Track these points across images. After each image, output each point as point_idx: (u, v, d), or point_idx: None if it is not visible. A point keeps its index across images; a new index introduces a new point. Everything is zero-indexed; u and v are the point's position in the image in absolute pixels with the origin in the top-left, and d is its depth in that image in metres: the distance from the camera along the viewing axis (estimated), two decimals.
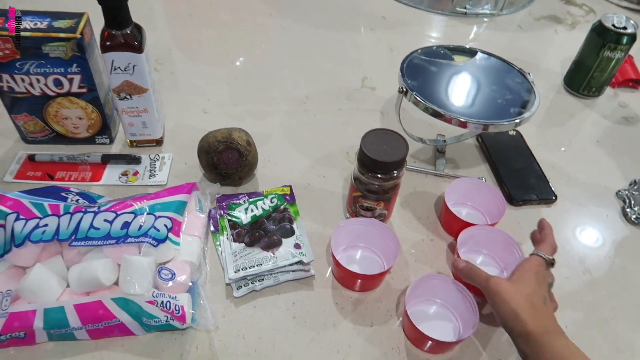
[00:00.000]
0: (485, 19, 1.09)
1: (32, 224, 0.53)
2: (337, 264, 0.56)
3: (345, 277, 0.58)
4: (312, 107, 0.82)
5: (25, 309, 0.49)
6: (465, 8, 1.08)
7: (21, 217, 0.54)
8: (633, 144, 0.81)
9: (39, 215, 0.54)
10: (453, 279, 0.55)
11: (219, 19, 1.02)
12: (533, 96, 0.66)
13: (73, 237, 0.53)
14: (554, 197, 0.70)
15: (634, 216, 0.68)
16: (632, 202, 0.70)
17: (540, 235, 0.57)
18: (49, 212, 0.54)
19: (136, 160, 0.69)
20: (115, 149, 0.72)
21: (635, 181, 0.73)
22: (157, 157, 0.70)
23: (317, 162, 0.73)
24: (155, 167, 0.69)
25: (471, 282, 0.53)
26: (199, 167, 0.68)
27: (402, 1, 1.11)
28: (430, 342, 0.51)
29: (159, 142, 0.72)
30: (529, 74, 0.70)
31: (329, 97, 0.85)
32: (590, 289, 0.61)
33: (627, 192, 0.71)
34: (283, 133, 0.77)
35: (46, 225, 0.53)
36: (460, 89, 0.67)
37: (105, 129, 0.70)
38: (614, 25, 0.80)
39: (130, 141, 0.71)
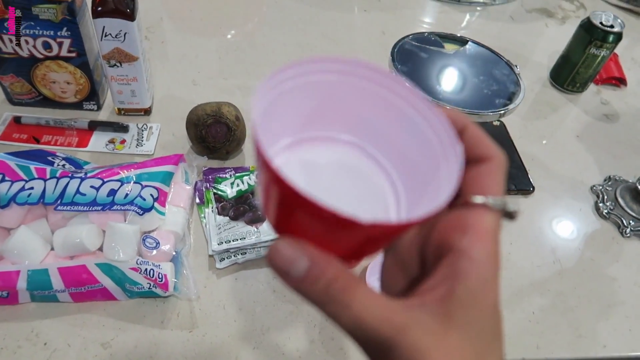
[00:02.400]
0: (479, 8, 1.10)
1: (17, 186, 0.53)
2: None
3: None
4: None
5: (9, 269, 0.50)
6: None
7: (7, 178, 0.54)
8: (611, 141, 0.84)
9: (24, 177, 0.54)
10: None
11: None
12: (518, 88, 0.68)
13: (59, 202, 0.53)
14: (531, 189, 0.72)
15: (605, 211, 0.71)
16: (605, 197, 0.72)
17: (475, 153, 0.25)
18: (35, 176, 0.55)
19: (124, 128, 0.69)
20: (103, 115, 0.72)
21: (609, 177, 0.76)
22: (145, 126, 0.70)
23: None
24: (142, 137, 0.69)
25: (332, 319, 0.22)
26: (187, 139, 0.69)
27: None
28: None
29: (147, 112, 0.72)
30: (515, 66, 0.71)
31: None
32: (559, 278, 0.63)
33: (601, 187, 0.74)
34: None
35: (32, 188, 0.53)
36: (449, 77, 0.68)
37: (93, 95, 0.70)
38: (601, 23, 0.82)
39: (118, 109, 0.71)
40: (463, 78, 0.69)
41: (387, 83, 0.25)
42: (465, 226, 0.22)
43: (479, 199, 0.23)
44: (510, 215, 0.24)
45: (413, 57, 0.69)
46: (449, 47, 0.72)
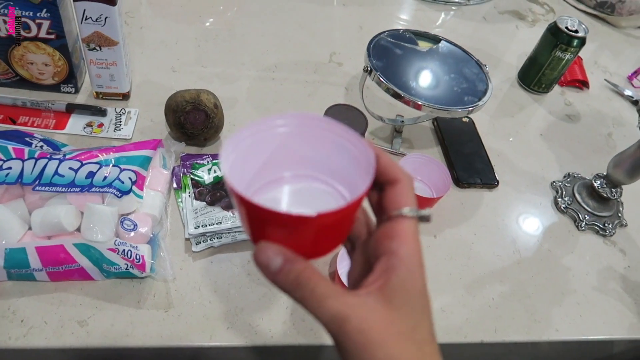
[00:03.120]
0: (453, 7, 1.13)
1: None
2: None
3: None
4: (279, 76, 0.84)
5: None
6: None
7: None
8: (572, 140, 0.88)
9: (2, 157, 0.55)
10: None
11: None
12: (487, 87, 0.71)
13: (37, 182, 0.54)
14: (496, 183, 0.76)
15: (563, 205, 0.75)
16: (564, 192, 0.77)
17: (388, 177, 0.31)
18: (13, 156, 0.55)
19: (102, 112, 0.69)
20: (81, 99, 0.72)
21: (569, 174, 0.80)
22: (123, 111, 0.71)
23: None
24: (120, 121, 0.69)
25: (300, 303, 0.28)
26: (165, 124, 0.70)
27: None
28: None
29: (125, 97, 0.73)
30: (485, 65, 0.74)
31: (297, 67, 0.87)
32: (518, 267, 0.67)
33: (560, 183, 0.78)
34: (249, 99, 0.79)
35: (10, 168, 0.54)
36: (421, 74, 0.71)
37: (71, 78, 0.70)
38: (567, 28, 0.86)
39: (97, 92, 0.71)
40: (435, 75, 0.72)
41: (325, 126, 0.32)
42: (392, 233, 0.29)
43: (397, 212, 0.30)
44: (424, 218, 0.31)
45: (388, 53, 0.71)
46: (423, 45, 0.75)
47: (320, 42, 0.94)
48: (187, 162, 0.66)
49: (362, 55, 0.71)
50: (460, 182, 0.74)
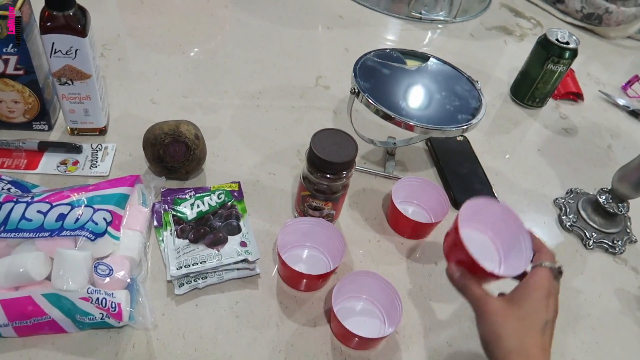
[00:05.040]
0: (440, 25, 1.12)
1: None
2: (282, 263, 0.55)
3: (290, 277, 0.57)
4: (264, 103, 0.81)
5: None
6: (420, 13, 1.09)
7: None
8: (571, 154, 0.85)
9: None
10: (380, 275, 0.55)
11: (172, 6, 0.99)
12: (480, 104, 0.68)
13: (2, 228, 0.50)
14: None
15: (568, 223, 0.71)
16: (568, 210, 0.73)
17: (534, 245, 0.49)
18: None
19: (77, 149, 0.66)
20: (54, 136, 0.68)
21: (571, 190, 0.77)
22: (99, 146, 0.67)
23: (267, 159, 0.72)
24: (97, 157, 0.66)
25: (463, 295, 0.47)
26: (144, 159, 0.66)
27: (359, 2, 1.11)
28: (356, 338, 0.52)
29: (102, 131, 0.69)
30: (477, 82, 0.71)
31: (283, 93, 0.84)
32: None
33: (563, 200, 0.75)
34: (234, 128, 0.75)
35: None
36: (411, 93, 0.68)
37: (43, 115, 0.66)
38: (557, 40, 0.84)
39: (71, 129, 0.68)
40: (426, 94, 0.69)
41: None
42: (530, 274, 0.46)
43: (538, 263, 0.47)
44: (559, 271, 0.47)
45: (376, 74, 0.68)
46: (411, 64, 0.72)
47: (305, 66, 0.91)
48: (169, 198, 0.62)
49: (349, 78, 0.68)
50: (458, 203, 0.71)
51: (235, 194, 0.64)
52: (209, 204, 0.62)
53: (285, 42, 0.96)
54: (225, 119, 0.77)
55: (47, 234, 0.50)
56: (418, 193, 0.68)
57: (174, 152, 0.62)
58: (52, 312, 0.48)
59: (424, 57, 0.74)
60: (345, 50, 0.97)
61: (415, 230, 0.65)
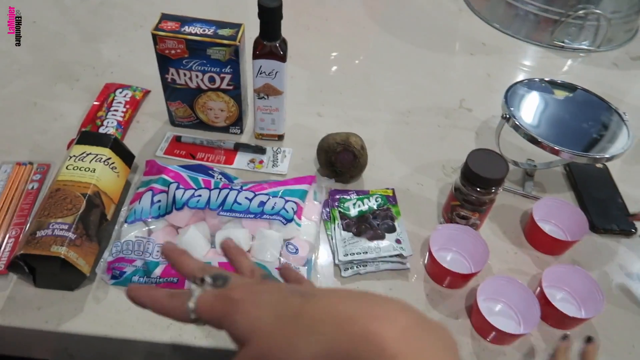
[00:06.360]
0: (582, 54, 1.14)
1: (189, 193, 0.66)
2: (433, 259, 0.65)
3: (438, 273, 0.66)
4: (412, 120, 0.91)
5: None
6: (563, 42, 1.13)
7: (181, 186, 0.66)
8: None
9: (194, 186, 0.67)
10: (519, 282, 0.63)
11: (334, 32, 1.13)
12: (626, 135, 0.72)
13: (220, 208, 0.64)
14: (633, 230, 0.75)
15: None
16: None
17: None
18: (202, 186, 0.67)
19: (262, 150, 0.80)
20: (244, 139, 0.84)
21: None
22: (279, 150, 0.82)
23: (415, 170, 0.82)
24: (277, 159, 0.80)
25: None
26: (314, 162, 0.79)
27: (502, 30, 1.17)
28: (494, 332, 0.60)
29: (280, 137, 0.84)
30: (624, 113, 0.75)
31: (429, 113, 0.93)
32: None
33: None
34: (386, 141, 0.86)
35: (200, 195, 0.65)
36: (557, 120, 0.74)
37: (238, 121, 0.82)
38: None
39: (258, 134, 0.83)
40: (571, 121, 0.75)
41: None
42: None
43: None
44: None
45: (524, 101, 0.75)
46: (559, 93, 0.78)
47: (449, 89, 1.00)
48: (335, 197, 0.74)
49: (490, 102, 0.75)
50: (596, 227, 0.75)
51: (390, 198, 0.75)
52: (368, 205, 0.73)
53: (430, 65, 1.05)
54: (379, 132, 0.88)
55: (252, 215, 0.64)
56: (555, 213, 0.74)
57: (343, 159, 0.74)
58: None
59: (572, 88, 0.79)
60: (487, 75, 1.04)
61: (552, 246, 0.71)
